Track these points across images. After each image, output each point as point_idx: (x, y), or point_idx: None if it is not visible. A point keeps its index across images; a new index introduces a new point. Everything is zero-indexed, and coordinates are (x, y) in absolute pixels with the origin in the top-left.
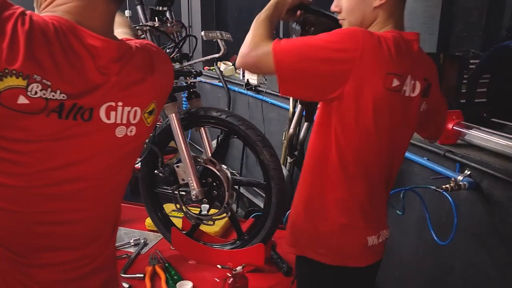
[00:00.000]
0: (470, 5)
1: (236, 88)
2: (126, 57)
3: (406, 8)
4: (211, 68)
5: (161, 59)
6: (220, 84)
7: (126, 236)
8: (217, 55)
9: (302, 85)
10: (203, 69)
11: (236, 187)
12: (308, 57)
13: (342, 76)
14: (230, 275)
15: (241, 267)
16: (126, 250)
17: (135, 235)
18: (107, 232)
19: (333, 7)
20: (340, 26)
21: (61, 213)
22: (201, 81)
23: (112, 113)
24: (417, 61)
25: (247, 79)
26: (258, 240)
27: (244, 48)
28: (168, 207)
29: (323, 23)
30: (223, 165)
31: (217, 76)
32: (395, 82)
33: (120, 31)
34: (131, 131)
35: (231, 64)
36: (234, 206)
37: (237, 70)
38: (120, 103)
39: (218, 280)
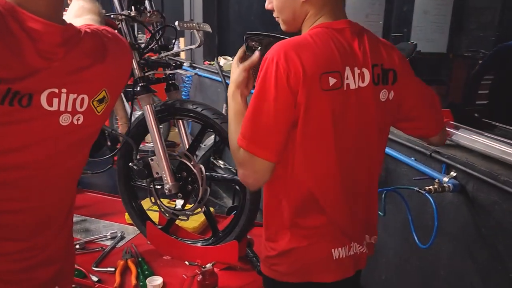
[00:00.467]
0: (482, 5)
1: None
2: (72, 42)
3: (416, 6)
4: (211, 62)
5: (117, 46)
6: (219, 79)
7: (105, 229)
8: (193, 47)
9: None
10: (203, 63)
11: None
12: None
13: (293, 107)
14: (199, 272)
15: (210, 264)
16: (101, 243)
17: (113, 228)
18: (57, 223)
19: (266, 5)
20: (281, 39)
21: (3, 201)
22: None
23: (55, 100)
24: (362, 49)
25: None
26: (232, 238)
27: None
28: (148, 202)
29: (265, 42)
30: (220, 161)
31: (217, 71)
32: (332, 81)
33: (87, 18)
34: (78, 120)
35: (231, 59)
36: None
37: None
38: (64, 90)
39: (186, 277)
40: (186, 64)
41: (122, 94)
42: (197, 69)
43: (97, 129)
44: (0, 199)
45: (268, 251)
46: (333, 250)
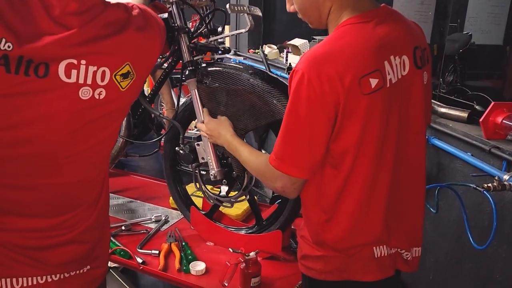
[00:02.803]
0: None
1: (279, 72)
2: (92, 12)
3: None
4: (256, 51)
5: (144, 21)
6: (264, 67)
7: (149, 212)
8: (243, 30)
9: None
10: (248, 52)
11: None
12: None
13: (333, 121)
14: (242, 260)
15: (254, 253)
16: (146, 225)
17: (158, 212)
18: (86, 202)
19: (288, 8)
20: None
21: (20, 177)
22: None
23: (74, 72)
24: (396, 35)
25: (290, 63)
26: (276, 227)
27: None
28: (192, 187)
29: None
30: (263, 150)
31: (261, 59)
32: (373, 82)
33: None
34: (100, 94)
35: (275, 47)
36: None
37: (281, 54)
38: (83, 61)
39: (229, 264)
40: (231, 53)
41: (168, 80)
42: (242, 57)
43: (123, 106)
44: (19, 174)
45: (305, 249)
46: (374, 248)
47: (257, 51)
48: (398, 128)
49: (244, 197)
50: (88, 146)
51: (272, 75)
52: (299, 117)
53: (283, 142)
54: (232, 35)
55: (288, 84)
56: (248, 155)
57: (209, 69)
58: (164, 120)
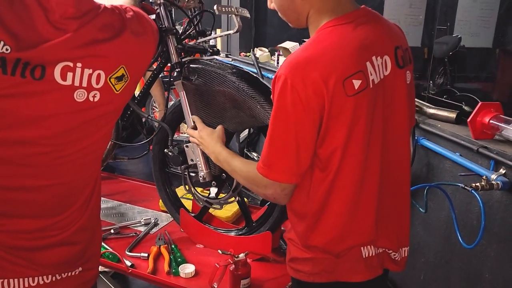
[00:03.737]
0: None
1: (270, 75)
2: (88, 16)
3: None
4: (247, 54)
5: (138, 24)
6: (255, 70)
7: (139, 215)
8: (231, 32)
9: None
10: (239, 55)
11: None
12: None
13: (318, 125)
14: (231, 261)
15: (243, 254)
16: (135, 228)
17: (148, 215)
18: (78, 202)
19: (269, 5)
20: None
21: (13, 178)
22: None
23: (69, 74)
24: (377, 36)
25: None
26: (266, 228)
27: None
28: (182, 190)
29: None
30: (254, 153)
31: (252, 62)
32: (357, 83)
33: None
34: (94, 96)
35: (267, 50)
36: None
37: (272, 57)
38: (79, 64)
39: (218, 266)
40: (222, 55)
41: (161, 81)
42: (233, 61)
43: (117, 108)
44: (13, 175)
45: (293, 251)
46: (362, 248)
47: (248, 54)
48: (383, 128)
49: (233, 198)
50: (82, 147)
51: (255, 76)
52: (284, 123)
53: (270, 149)
54: (220, 36)
55: (271, 90)
56: (239, 165)
57: (194, 66)
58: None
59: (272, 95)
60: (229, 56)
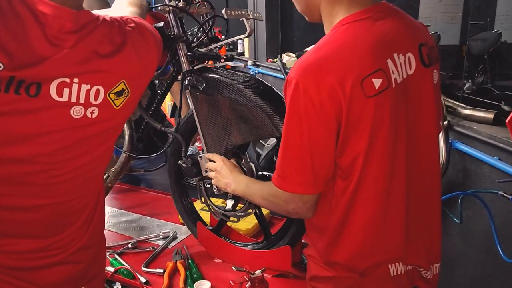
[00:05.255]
0: None
1: None
2: (86, 29)
3: None
4: (274, 60)
5: (140, 37)
6: (282, 76)
7: (158, 228)
8: (242, 36)
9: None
10: (267, 61)
11: None
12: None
13: (335, 132)
14: (247, 278)
15: (260, 270)
16: (153, 242)
17: (167, 228)
18: (78, 222)
19: None
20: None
21: (9, 197)
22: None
23: (66, 91)
24: (399, 32)
25: None
26: (285, 242)
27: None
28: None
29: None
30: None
31: (279, 68)
32: (377, 83)
33: (125, 10)
34: (92, 113)
35: (294, 55)
36: None
37: None
38: (75, 80)
39: (233, 284)
40: (249, 63)
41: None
42: (261, 67)
43: (117, 124)
44: (10, 194)
45: (314, 269)
46: (390, 266)
47: (275, 60)
48: (406, 133)
49: (250, 210)
50: (80, 165)
51: (269, 85)
52: (297, 130)
53: (283, 158)
54: (228, 42)
55: (283, 95)
56: (258, 186)
57: (203, 74)
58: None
59: (285, 100)
60: (257, 63)
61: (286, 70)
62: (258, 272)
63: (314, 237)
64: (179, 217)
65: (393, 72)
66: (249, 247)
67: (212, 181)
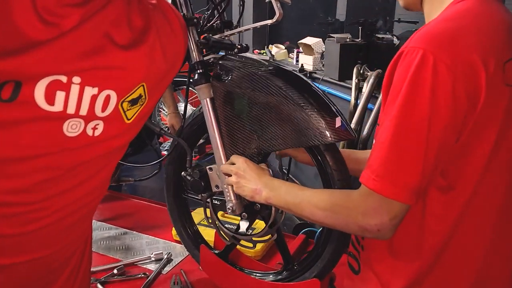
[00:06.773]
0: None
1: None
2: (94, 4)
3: None
4: (262, 52)
5: (166, 21)
6: None
7: (148, 247)
8: (269, 22)
9: None
10: (253, 52)
11: None
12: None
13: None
14: None
15: None
16: (144, 267)
17: (159, 247)
18: (63, 276)
19: None
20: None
21: None
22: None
23: (60, 95)
24: None
25: (302, 64)
26: (313, 274)
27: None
28: (197, 214)
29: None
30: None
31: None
32: None
33: None
34: (94, 129)
35: (283, 47)
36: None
37: (290, 54)
38: (76, 79)
39: None
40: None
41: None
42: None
43: (125, 143)
44: None
45: None
46: None
47: (262, 51)
48: None
49: (269, 236)
50: (70, 201)
51: (307, 80)
52: (416, 116)
53: (390, 154)
54: (253, 26)
55: (388, 70)
56: (312, 193)
57: (230, 63)
58: (168, 136)
59: (386, 78)
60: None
61: (276, 63)
62: None
63: (396, 268)
64: (173, 232)
65: None
66: (267, 278)
67: (234, 188)
